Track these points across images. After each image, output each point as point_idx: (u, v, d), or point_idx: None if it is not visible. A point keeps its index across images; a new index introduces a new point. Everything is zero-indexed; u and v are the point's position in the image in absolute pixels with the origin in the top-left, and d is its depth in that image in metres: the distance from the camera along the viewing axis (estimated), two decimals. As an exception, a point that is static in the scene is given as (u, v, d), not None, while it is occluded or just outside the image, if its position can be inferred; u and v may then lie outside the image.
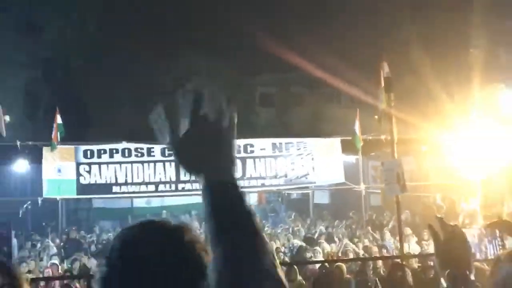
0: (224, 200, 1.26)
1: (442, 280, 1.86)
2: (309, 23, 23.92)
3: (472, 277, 1.74)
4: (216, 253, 1.22)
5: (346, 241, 14.94)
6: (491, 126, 15.25)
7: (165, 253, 1.34)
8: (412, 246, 13.15)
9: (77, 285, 10.68)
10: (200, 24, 24.33)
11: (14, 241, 11.87)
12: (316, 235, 16.48)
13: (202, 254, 1.36)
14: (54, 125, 14.13)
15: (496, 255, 1.44)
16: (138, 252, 1.33)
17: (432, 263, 9.88)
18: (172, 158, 12.32)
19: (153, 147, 15.22)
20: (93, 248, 16.30)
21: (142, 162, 15.16)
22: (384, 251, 13.46)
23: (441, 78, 17.25)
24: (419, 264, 11.13)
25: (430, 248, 12.73)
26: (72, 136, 15.29)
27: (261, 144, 15.97)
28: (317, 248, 13.62)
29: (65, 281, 10.81)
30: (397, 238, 11.52)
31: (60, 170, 14.73)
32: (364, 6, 21.59)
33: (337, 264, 10.89)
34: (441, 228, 1.84)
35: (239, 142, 15.78)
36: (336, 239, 15.57)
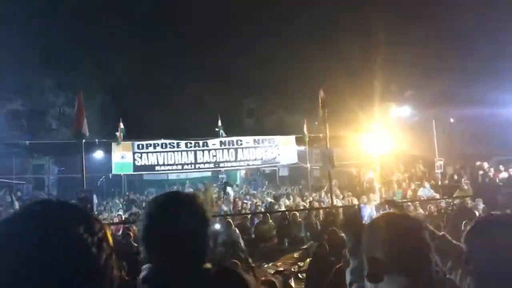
0: None
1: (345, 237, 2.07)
2: (276, 65, 23.80)
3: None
4: None
5: (298, 198, 15.11)
6: (385, 127, 15.53)
7: (182, 205, 1.33)
8: (339, 201, 13.30)
9: (134, 227, 10.71)
10: (205, 63, 24.24)
11: (95, 200, 11.83)
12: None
13: (205, 209, 1.35)
14: (119, 129, 14.06)
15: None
16: (165, 204, 1.34)
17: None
18: (191, 148, 12.13)
19: (180, 142, 15.15)
20: (143, 205, 16.25)
21: (173, 151, 15.04)
22: (322, 204, 13.65)
23: (356, 99, 17.37)
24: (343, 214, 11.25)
25: (352, 202, 12.97)
26: (130, 135, 15.20)
27: (247, 140, 15.91)
28: (281, 202, 13.70)
29: (126, 225, 10.82)
30: (329, 196, 11.71)
31: (123, 156, 14.63)
32: (306, 52, 21.54)
33: (293, 212, 10.97)
34: (344, 213, 2.07)
35: (234, 139, 15.86)
36: (292, 197, 15.71)
